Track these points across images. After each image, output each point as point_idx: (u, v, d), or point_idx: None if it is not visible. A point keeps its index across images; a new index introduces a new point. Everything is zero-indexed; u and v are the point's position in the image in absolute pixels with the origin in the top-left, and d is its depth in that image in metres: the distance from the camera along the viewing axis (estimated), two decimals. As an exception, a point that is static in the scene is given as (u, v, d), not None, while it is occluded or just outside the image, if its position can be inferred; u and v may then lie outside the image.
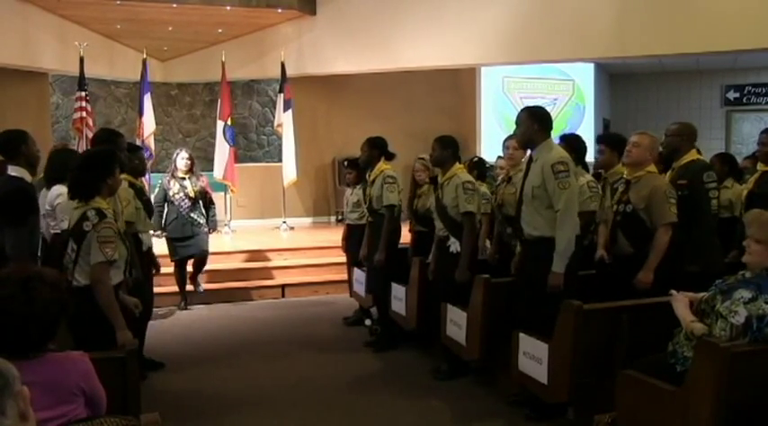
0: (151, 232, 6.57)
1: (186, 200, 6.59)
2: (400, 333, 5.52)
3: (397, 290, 5.38)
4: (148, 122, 9.27)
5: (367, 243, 5.70)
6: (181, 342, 5.86)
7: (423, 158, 5.51)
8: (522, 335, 3.84)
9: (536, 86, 11.53)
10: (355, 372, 4.96)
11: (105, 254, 3.01)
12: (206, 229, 6.78)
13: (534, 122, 3.85)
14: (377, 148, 5.51)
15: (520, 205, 3.95)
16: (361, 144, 5.68)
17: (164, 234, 6.70)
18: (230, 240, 9.13)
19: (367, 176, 5.63)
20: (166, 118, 11.59)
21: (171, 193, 6.61)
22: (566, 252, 3.71)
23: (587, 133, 10.39)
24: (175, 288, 7.04)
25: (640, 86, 12.82)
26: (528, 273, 3.90)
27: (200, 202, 6.71)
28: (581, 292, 3.78)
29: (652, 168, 4.15)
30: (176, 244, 6.67)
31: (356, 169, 6.14)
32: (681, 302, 3.01)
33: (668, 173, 4.53)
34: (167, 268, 7.05)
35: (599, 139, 5.06)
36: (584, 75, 11.70)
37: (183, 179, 6.66)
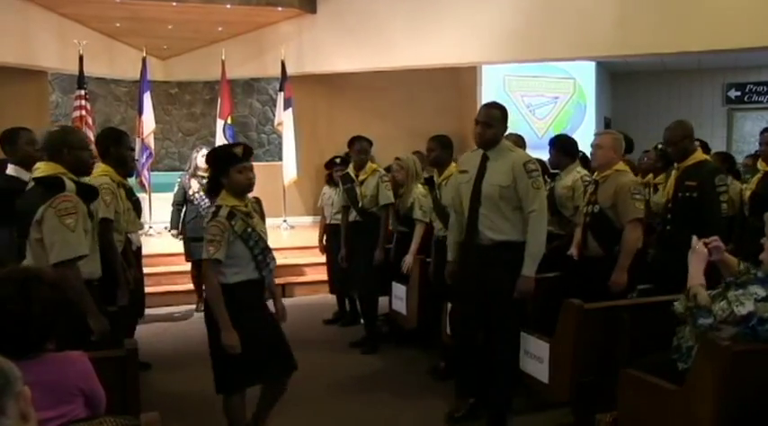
0: (173, 232, 6.64)
1: (206, 200, 6.54)
2: (399, 333, 5.52)
3: (398, 290, 5.39)
4: (148, 121, 9.28)
5: (345, 243, 5.61)
6: (189, 343, 5.86)
7: (399, 158, 5.51)
8: (523, 334, 3.84)
9: (537, 85, 11.52)
10: (355, 372, 4.96)
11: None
12: None
13: (504, 122, 3.76)
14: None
15: (475, 208, 3.70)
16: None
17: (180, 235, 6.68)
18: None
19: (354, 176, 5.52)
20: (166, 116, 11.59)
21: (191, 192, 6.58)
22: (538, 254, 3.62)
23: (588, 132, 10.37)
24: (190, 286, 6.99)
25: (642, 85, 12.82)
26: (490, 280, 3.65)
27: None
28: (549, 295, 3.77)
29: (620, 166, 4.13)
30: (194, 245, 6.57)
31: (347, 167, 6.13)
32: (699, 257, 2.86)
33: (672, 173, 4.51)
34: (182, 266, 7.11)
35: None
36: (585, 74, 11.69)
37: (203, 177, 6.61)
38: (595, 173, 4.24)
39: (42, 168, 3.16)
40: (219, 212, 3.13)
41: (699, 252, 2.87)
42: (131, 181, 5.03)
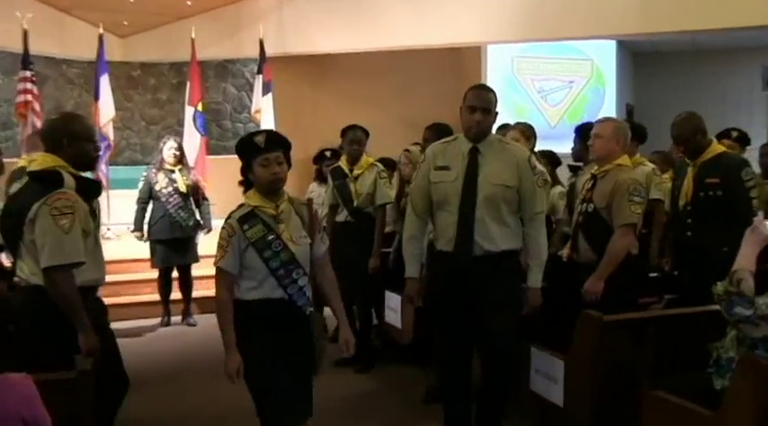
0: (136, 234, 6.59)
1: (175, 196, 6.53)
2: (393, 348, 5.51)
3: (392, 300, 5.37)
4: (106, 107, 9.23)
5: (331, 248, 5.61)
6: (156, 361, 5.84)
7: (408, 150, 5.48)
8: (533, 350, 3.83)
9: (550, 67, 11.56)
10: (346, 393, 4.95)
11: None
12: (198, 232, 6.75)
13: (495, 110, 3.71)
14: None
15: (467, 212, 3.54)
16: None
17: (145, 237, 6.62)
18: (205, 241, 9.09)
19: (347, 170, 5.50)
20: (127, 103, 11.53)
21: (158, 188, 6.53)
22: (545, 261, 3.64)
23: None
24: (157, 297, 6.95)
25: (669, 67, 12.85)
26: (486, 296, 3.54)
27: (191, 199, 6.67)
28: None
29: (623, 160, 4.06)
30: (161, 248, 6.58)
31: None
32: (757, 238, 2.74)
33: (689, 171, 4.48)
34: (148, 274, 7.07)
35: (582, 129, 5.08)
36: (604, 55, 11.73)
37: (172, 171, 6.60)
38: (594, 168, 4.22)
39: (39, 160, 3.16)
40: (233, 213, 3.03)
41: (759, 233, 2.73)
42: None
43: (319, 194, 6.34)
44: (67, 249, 2.97)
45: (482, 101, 3.60)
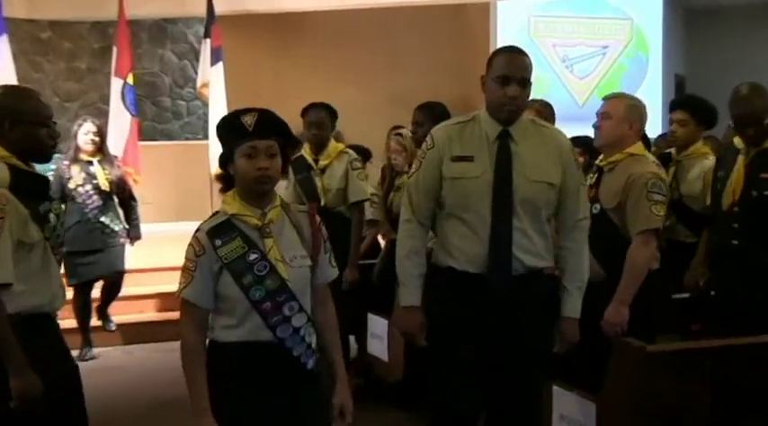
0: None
1: (95, 196, 6.49)
2: (377, 387, 5.52)
3: (377, 324, 5.37)
4: (4, 77, 9.15)
5: None
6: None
7: (400, 133, 5.46)
8: (557, 390, 3.84)
9: (577, 29, 11.60)
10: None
11: None
12: (122, 239, 6.72)
13: None
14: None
15: (505, 219, 3.40)
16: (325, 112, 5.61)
17: (58, 248, 6.58)
18: (137, 251, 9.06)
19: (311, 161, 5.52)
20: (35, 72, 11.50)
21: (72, 185, 6.47)
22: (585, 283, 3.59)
23: (652, 95, 10.50)
24: (73, 324, 6.85)
25: (730, 28, 12.83)
26: (520, 330, 3.42)
27: (115, 198, 6.65)
28: None
29: (636, 149, 4.06)
30: (77, 261, 6.50)
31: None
32: None
33: (740, 160, 4.45)
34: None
35: (674, 105, 5.06)
36: (648, 13, 11.79)
37: (90, 163, 6.54)
38: (599, 157, 4.20)
39: None
40: (204, 224, 2.83)
41: None
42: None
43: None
44: None
45: (518, 68, 3.40)
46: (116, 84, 9.67)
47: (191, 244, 2.80)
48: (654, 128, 5.24)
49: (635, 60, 11.81)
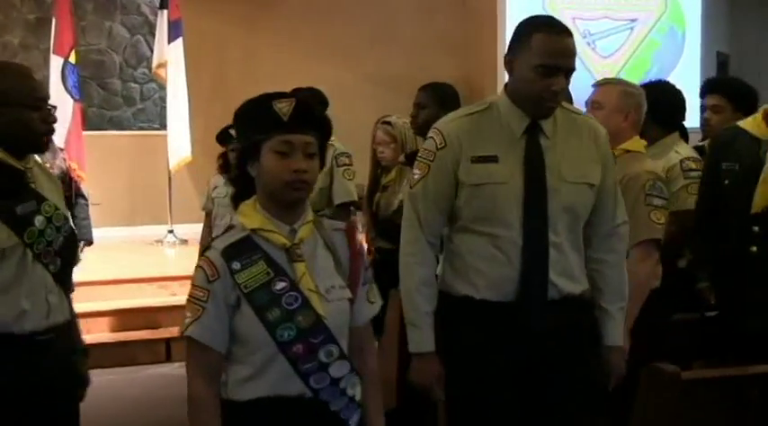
0: None
1: None
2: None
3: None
4: None
5: None
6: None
7: (388, 122, 5.48)
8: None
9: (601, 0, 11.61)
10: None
11: None
12: None
13: None
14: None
15: (539, 233, 3.24)
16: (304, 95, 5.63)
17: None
18: (85, 259, 9.05)
19: None
20: (-42, 49, 11.48)
21: None
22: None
23: (690, 77, 10.48)
24: None
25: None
26: (563, 364, 3.28)
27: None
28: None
29: (633, 144, 4.08)
30: None
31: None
32: None
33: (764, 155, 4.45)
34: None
35: (707, 88, 5.06)
36: (683, -19, 11.80)
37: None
38: None
39: None
40: (216, 241, 2.65)
41: None
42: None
43: (228, 192, 6.31)
44: None
45: (566, 55, 3.19)
46: (55, 63, 9.67)
47: (200, 267, 2.54)
48: (693, 115, 5.23)
49: (669, 36, 11.81)
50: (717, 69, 11.96)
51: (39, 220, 3.14)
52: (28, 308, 3.14)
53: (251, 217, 2.60)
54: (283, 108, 2.55)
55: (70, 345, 3.41)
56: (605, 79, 4.34)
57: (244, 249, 2.55)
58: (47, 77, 9.91)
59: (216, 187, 6.42)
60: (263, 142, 2.54)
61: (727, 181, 4.35)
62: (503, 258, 3.20)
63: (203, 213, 6.55)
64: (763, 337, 3.96)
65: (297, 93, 5.48)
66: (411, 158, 5.20)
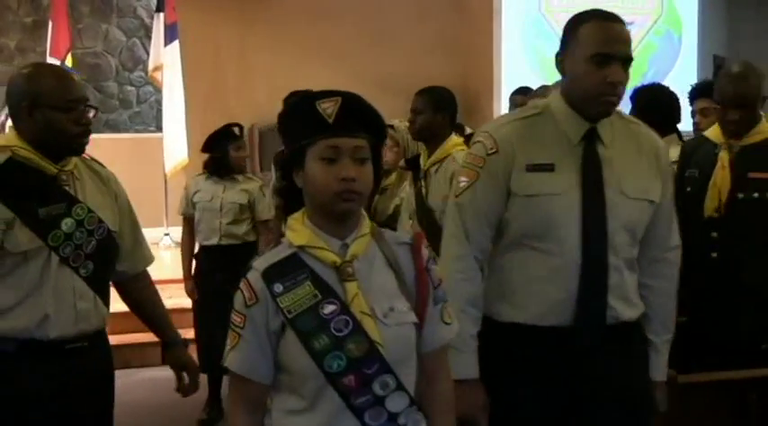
0: None
1: None
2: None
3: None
4: None
5: None
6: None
7: (391, 126, 5.48)
8: None
9: (597, 2, 11.51)
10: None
11: None
12: None
13: None
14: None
15: (600, 254, 2.99)
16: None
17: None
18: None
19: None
20: (-45, 53, 11.47)
21: None
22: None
23: (686, 80, 10.40)
24: None
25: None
26: (616, 397, 3.05)
27: None
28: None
29: None
30: None
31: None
32: None
33: (722, 157, 4.31)
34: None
35: (695, 93, 5.07)
36: (680, -16, 11.80)
37: None
38: None
39: (2, 139, 3.17)
40: (256, 260, 2.37)
41: None
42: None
43: (213, 195, 6.28)
44: None
45: (621, 42, 2.99)
46: (52, 66, 9.66)
47: (239, 290, 2.30)
48: (688, 118, 5.23)
49: (665, 38, 11.82)
50: (713, 73, 11.95)
51: (66, 223, 3.10)
52: (52, 314, 3.09)
53: (298, 232, 2.31)
54: (328, 108, 2.28)
55: (106, 353, 3.42)
56: (560, 81, 4.32)
57: (289, 268, 2.28)
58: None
59: (198, 191, 6.38)
60: (308, 148, 2.27)
61: (689, 189, 4.35)
62: (557, 279, 2.95)
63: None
64: (727, 347, 3.97)
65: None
66: (411, 163, 5.21)
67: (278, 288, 2.25)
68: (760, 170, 4.10)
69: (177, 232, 10.30)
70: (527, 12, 11.24)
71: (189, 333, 7.95)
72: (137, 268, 3.60)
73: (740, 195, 4.15)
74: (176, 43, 10.05)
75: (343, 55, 10.99)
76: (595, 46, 2.89)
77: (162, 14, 10.08)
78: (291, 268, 2.27)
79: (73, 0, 10.52)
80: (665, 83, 5.15)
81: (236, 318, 2.30)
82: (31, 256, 3.04)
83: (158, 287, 8.47)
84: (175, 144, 10.11)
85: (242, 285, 2.29)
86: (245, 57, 11.27)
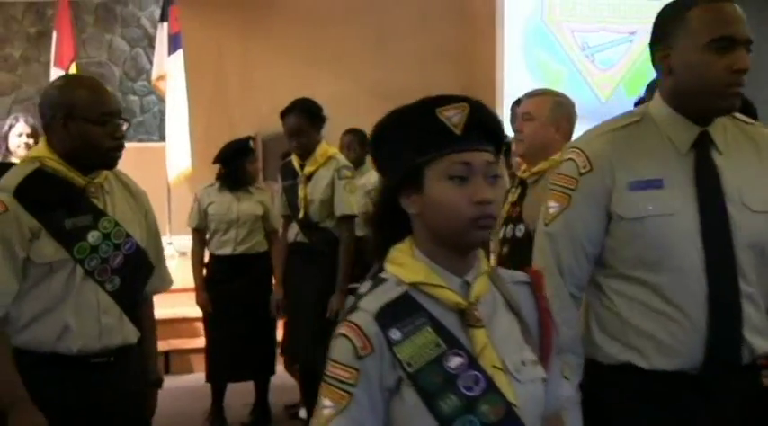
0: None
1: None
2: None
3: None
4: None
5: (278, 279, 5.94)
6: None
7: None
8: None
9: (600, 12, 11.61)
10: None
11: None
12: None
13: None
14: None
15: (729, 278, 2.56)
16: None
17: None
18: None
19: (298, 166, 5.64)
20: (-41, 63, 11.48)
21: None
22: None
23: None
24: None
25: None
26: None
27: None
28: None
29: (567, 156, 3.86)
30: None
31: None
32: None
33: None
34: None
35: None
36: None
37: None
38: (522, 168, 4.15)
39: (33, 150, 3.17)
40: (362, 298, 1.94)
41: None
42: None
43: (230, 207, 6.27)
44: None
45: (737, 21, 2.56)
46: (56, 76, 9.61)
47: (343, 337, 1.86)
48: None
49: (668, 48, 11.79)
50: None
51: (93, 236, 3.07)
52: (74, 327, 3.05)
53: (409, 266, 1.92)
54: (453, 117, 1.92)
55: (134, 369, 3.29)
56: (536, 90, 4.27)
57: (403, 311, 1.87)
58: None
59: (212, 203, 6.34)
60: (428, 166, 1.89)
61: None
62: (678, 314, 2.52)
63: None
64: None
65: (286, 112, 5.56)
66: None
67: (395, 334, 1.84)
68: None
69: (180, 241, 10.32)
70: (529, 20, 11.24)
71: (192, 343, 7.98)
72: (154, 289, 3.54)
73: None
74: (180, 53, 10.05)
75: (345, 64, 11.00)
76: (713, 30, 2.49)
77: (165, 24, 10.08)
78: (406, 310, 1.87)
79: (77, 10, 10.53)
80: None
81: (340, 373, 1.84)
82: (57, 268, 3.02)
83: (162, 296, 8.50)
84: (178, 153, 10.11)
85: (346, 330, 1.86)
86: (248, 66, 11.28)
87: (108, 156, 3.15)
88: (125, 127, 3.21)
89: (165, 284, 3.61)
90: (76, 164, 3.07)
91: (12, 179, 3.01)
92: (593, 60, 11.54)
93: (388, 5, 11.07)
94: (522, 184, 4.01)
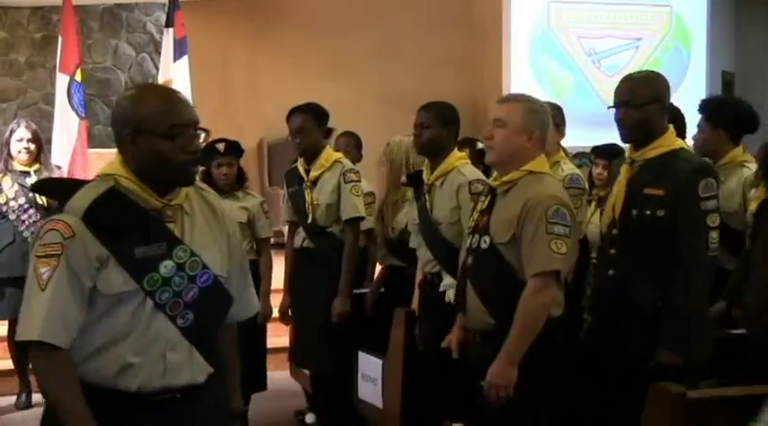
0: None
1: (31, 211, 6.49)
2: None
3: (369, 364, 5.36)
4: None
5: (288, 286, 5.86)
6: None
7: (389, 143, 5.58)
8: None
9: (606, 18, 11.61)
10: None
11: None
12: None
13: None
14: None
15: None
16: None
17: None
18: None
19: (303, 171, 5.61)
20: (-36, 68, 11.49)
21: (2, 199, 6.47)
22: None
23: (694, 96, 10.36)
24: (8, 364, 6.88)
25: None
26: None
27: None
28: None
29: (537, 165, 3.84)
30: (12, 291, 6.44)
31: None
32: None
33: (623, 171, 4.18)
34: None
35: (701, 109, 5.08)
36: (690, 0, 11.79)
37: (26, 174, 6.54)
38: (492, 176, 4.08)
39: (107, 166, 2.93)
40: None
41: None
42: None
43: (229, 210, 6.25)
44: (32, 320, 2.72)
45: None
46: (62, 81, 9.62)
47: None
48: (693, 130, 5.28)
49: (674, 55, 11.79)
50: (722, 88, 11.94)
51: (165, 266, 2.84)
52: (136, 363, 2.84)
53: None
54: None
55: (208, 405, 3.01)
56: (510, 95, 4.24)
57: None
58: (52, 95, 9.94)
59: None
60: None
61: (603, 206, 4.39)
62: None
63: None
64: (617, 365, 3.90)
65: (292, 112, 5.57)
66: (412, 178, 5.21)
67: None
68: (654, 185, 3.92)
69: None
70: (535, 27, 11.25)
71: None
72: (239, 316, 3.23)
73: (634, 212, 3.98)
74: (185, 58, 10.06)
75: (351, 70, 11.02)
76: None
77: (171, 30, 10.08)
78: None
79: (83, 15, 10.55)
80: (674, 98, 5.11)
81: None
82: (125, 299, 2.79)
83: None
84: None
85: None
86: (254, 72, 11.31)
87: (182, 172, 2.89)
88: (202, 138, 2.94)
89: (249, 311, 3.29)
90: (151, 182, 2.83)
91: (82, 200, 2.79)
92: (600, 66, 11.54)
93: (394, 13, 11.08)
94: (492, 193, 3.91)
